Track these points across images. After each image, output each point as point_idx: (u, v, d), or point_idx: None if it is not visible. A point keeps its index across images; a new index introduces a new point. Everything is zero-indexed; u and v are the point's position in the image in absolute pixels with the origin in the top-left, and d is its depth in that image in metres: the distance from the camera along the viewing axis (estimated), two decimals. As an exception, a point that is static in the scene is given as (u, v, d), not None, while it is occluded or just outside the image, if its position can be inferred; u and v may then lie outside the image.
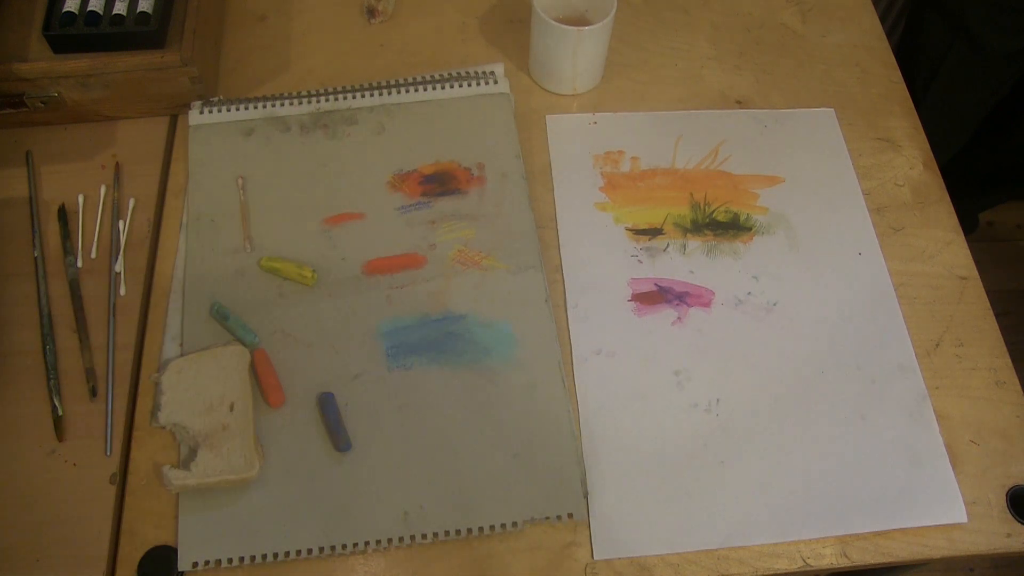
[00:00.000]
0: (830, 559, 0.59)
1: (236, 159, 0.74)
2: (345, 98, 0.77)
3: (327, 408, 0.62)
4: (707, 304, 0.69)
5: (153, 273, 0.69)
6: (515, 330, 0.66)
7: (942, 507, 0.61)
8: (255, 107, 0.76)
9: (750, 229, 0.73)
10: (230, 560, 0.57)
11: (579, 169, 0.75)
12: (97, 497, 0.59)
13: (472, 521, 0.59)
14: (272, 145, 0.75)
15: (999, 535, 0.60)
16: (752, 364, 0.66)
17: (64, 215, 0.70)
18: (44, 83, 0.71)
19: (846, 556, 0.59)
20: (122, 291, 0.67)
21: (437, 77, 0.79)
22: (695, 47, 0.85)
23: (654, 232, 0.72)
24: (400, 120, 0.76)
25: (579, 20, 0.78)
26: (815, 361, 0.66)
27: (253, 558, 0.57)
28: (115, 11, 0.71)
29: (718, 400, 0.64)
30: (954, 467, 0.62)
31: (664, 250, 0.71)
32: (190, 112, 0.76)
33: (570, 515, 0.59)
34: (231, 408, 0.61)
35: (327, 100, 0.77)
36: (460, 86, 0.78)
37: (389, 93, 0.78)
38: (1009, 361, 0.67)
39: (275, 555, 0.57)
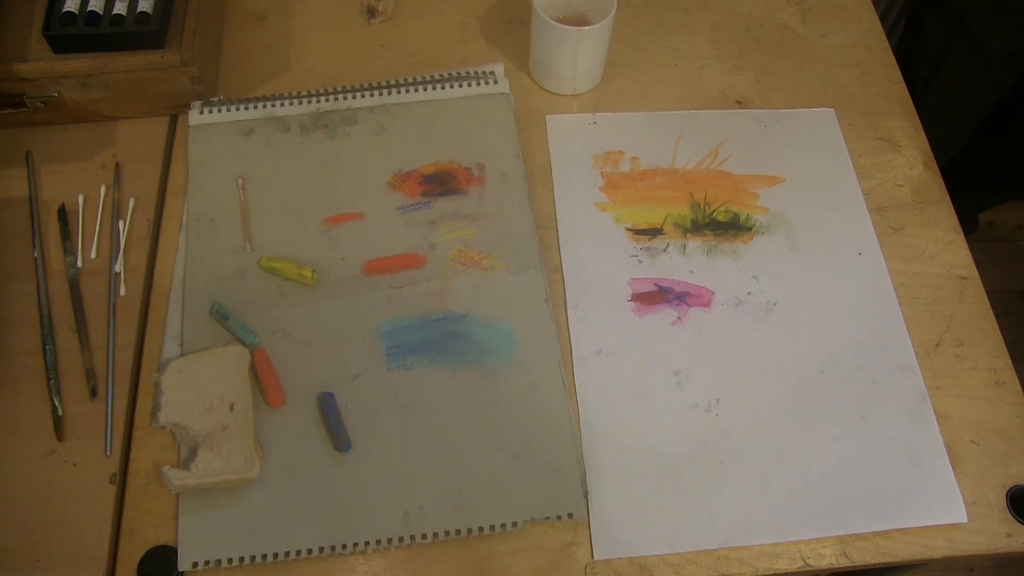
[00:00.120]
0: (830, 559, 0.59)
1: (236, 159, 0.74)
2: (345, 98, 0.77)
3: (327, 408, 0.62)
4: (707, 304, 0.69)
5: (153, 273, 0.69)
6: (515, 330, 0.66)
7: (942, 507, 0.61)
8: (255, 107, 0.76)
9: (750, 229, 0.73)
10: (230, 560, 0.57)
11: (579, 169, 0.75)
12: (97, 497, 0.59)
13: (472, 521, 0.59)
14: (272, 145, 0.75)
15: (999, 535, 0.60)
16: (752, 364, 0.66)
17: (64, 215, 0.70)
18: (44, 83, 0.71)
19: (846, 556, 0.59)
20: (122, 291, 0.67)
21: (437, 77, 0.79)
22: (695, 47, 0.85)
23: (654, 232, 0.72)
24: (400, 120, 0.76)
25: (579, 20, 0.78)
26: (815, 361, 0.66)
27: (253, 558, 0.57)
28: (115, 11, 0.71)
29: (718, 400, 0.64)
30: (954, 467, 0.62)
31: (664, 250, 0.71)
32: (190, 112, 0.76)
33: (570, 515, 0.59)
34: (231, 408, 0.61)
35: (327, 100, 0.77)
36: (460, 86, 0.78)
37: (389, 93, 0.78)
38: (1009, 361, 0.67)
39: (275, 555, 0.57)
